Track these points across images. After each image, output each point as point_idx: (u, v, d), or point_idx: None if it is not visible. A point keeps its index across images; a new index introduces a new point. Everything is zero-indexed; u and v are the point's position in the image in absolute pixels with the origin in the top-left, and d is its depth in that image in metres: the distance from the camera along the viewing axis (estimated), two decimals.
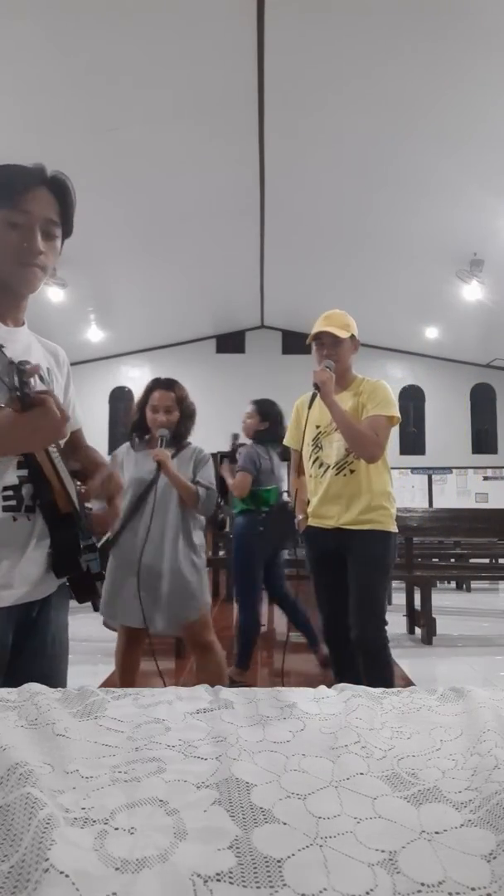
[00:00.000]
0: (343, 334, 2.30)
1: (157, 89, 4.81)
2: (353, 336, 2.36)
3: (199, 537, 2.49)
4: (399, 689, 1.00)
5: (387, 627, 2.26)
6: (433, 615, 4.54)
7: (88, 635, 4.63)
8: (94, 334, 9.61)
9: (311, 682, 1.06)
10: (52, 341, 1.31)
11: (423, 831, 0.56)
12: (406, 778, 0.67)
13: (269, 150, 5.80)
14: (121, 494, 1.23)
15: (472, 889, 0.48)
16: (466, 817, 0.58)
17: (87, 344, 9.85)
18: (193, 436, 2.57)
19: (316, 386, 2.23)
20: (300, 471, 2.49)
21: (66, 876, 0.47)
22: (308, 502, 2.41)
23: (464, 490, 11.11)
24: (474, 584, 7.41)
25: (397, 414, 2.27)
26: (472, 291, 7.51)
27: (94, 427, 10.20)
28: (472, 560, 7.00)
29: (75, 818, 0.57)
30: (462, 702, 0.92)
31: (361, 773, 0.67)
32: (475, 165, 5.45)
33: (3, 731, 0.73)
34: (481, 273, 7.20)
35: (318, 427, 2.36)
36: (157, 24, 4.14)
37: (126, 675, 2.52)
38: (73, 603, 1.32)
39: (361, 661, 2.22)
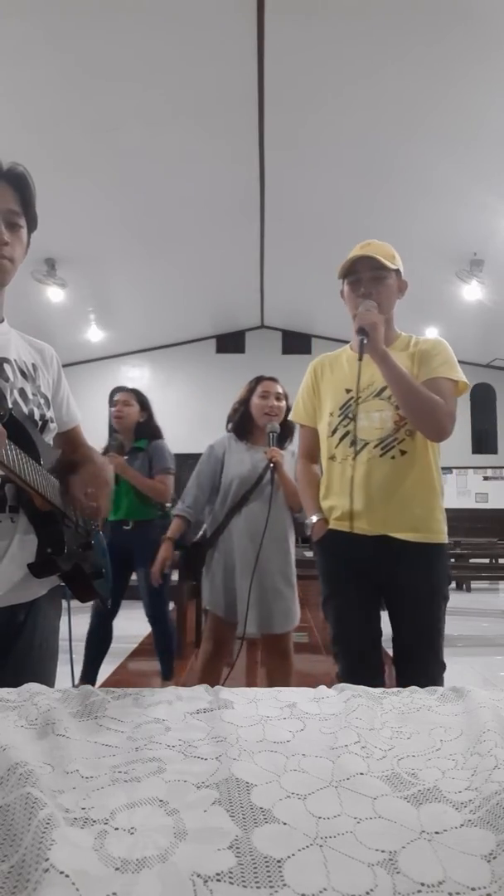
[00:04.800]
0: (390, 265, 1.67)
1: (157, 89, 4.81)
2: (398, 272, 1.72)
3: (293, 541, 2.41)
4: (399, 689, 1.00)
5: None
6: None
7: None
8: (94, 334, 9.61)
9: (311, 682, 1.06)
10: (52, 341, 1.30)
11: (423, 831, 0.56)
12: (406, 778, 0.67)
13: (269, 150, 5.80)
14: (108, 492, 1.17)
15: (472, 889, 0.48)
16: (466, 817, 0.58)
17: (87, 344, 9.85)
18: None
19: (362, 331, 1.59)
20: (313, 456, 1.85)
21: (66, 876, 0.47)
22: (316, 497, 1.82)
23: (464, 490, 11.11)
24: (474, 584, 7.42)
25: (465, 379, 1.66)
26: (472, 291, 7.50)
27: (94, 427, 10.10)
28: (472, 560, 7.00)
29: (75, 818, 0.57)
30: (462, 702, 0.92)
31: (361, 773, 0.67)
32: (475, 165, 5.45)
33: (3, 731, 0.73)
34: (481, 273, 7.19)
35: (348, 391, 1.70)
36: (157, 23, 4.14)
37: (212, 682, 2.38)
38: (73, 602, 1.31)
39: None
